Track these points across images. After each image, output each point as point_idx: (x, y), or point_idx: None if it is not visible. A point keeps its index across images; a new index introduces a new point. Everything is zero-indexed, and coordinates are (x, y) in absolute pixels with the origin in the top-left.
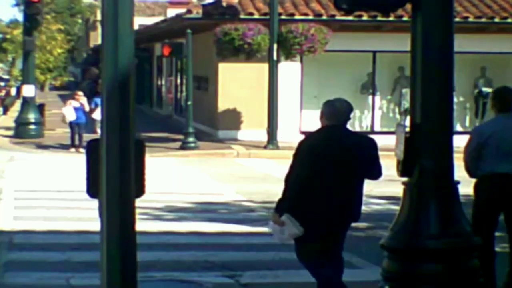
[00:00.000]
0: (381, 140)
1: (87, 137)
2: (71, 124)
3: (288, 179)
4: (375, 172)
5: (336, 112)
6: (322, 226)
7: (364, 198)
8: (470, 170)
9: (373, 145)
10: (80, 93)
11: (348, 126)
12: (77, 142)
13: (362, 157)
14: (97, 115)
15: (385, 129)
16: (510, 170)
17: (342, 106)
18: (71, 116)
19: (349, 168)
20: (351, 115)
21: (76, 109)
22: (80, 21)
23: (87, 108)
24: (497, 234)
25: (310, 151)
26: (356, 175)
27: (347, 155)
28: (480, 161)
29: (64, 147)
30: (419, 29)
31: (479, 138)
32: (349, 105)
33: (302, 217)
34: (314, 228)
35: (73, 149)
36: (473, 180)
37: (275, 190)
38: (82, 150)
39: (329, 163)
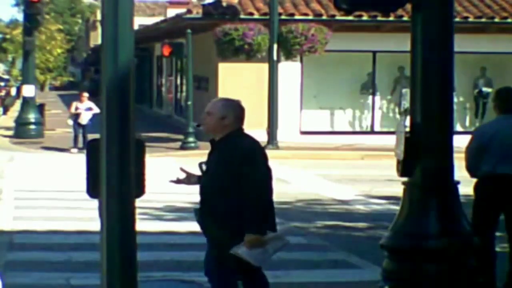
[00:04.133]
0: (381, 140)
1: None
2: (74, 126)
3: (264, 194)
4: None
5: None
6: None
7: (364, 198)
8: (471, 170)
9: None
10: (86, 94)
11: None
12: (80, 144)
13: None
14: None
15: (385, 129)
16: (510, 171)
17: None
18: (85, 119)
19: None
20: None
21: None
22: (80, 21)
23: (97, 110)
24: (497, 234)
25: (265, 155)
26: None
27: None
28: (481, 162)
29: (65, 150)
30: (419, 29)
31: (481, 138)
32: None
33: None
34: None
35: (75, 150)
36: (473, 180)
37: (274, 190)
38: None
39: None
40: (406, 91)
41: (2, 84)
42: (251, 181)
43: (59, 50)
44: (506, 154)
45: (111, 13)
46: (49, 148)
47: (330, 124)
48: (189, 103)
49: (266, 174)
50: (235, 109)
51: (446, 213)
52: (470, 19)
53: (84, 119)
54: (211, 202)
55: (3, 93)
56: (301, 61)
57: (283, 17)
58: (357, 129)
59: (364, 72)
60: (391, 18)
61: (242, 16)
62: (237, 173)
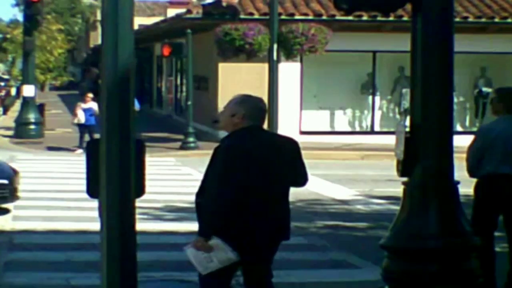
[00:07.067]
0: (381, 140)
1: None
2: (80, 127)
3: (211, 197)
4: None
5: (262, 112)
6: (254, 247)
7: (364, 198)
8: (472, 170)
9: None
10: (90, 95)
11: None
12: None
13: (289, 161)
14: None
15: (385, 129)
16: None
17: (264, 105)
18: (82, 118)
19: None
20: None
21: (85, 110)
22: (80, 21)
23: (97, 111)
24: (497, 234)
25: (240, 158)
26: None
27: (276, 160)
28: (483, 161)
29: (66, 150)
30: (419, 29)
31: (485, 138)
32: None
33: (235, 238)
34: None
35: (80, 151)
36: (474, 180)
37: None
38: None
39: (261, 170)
40: (406, 91)
41: (2, 84)
42: (208, 181)
43: (59, 50)
44: (509, 154)
45: (111, 13)
46: (49, 148)
47: (330, 124)
48: (189, 103)
49: (218, 178)
50: (247, 107)
51: (446, 213)
52: (470, 19)
53: (81, 119)
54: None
55: (3, 93)
56: (301, 61)
57: (283, 17)
58: (357, 129)
59: (364, 72)
60: (391, 18)
61: (242, 16)
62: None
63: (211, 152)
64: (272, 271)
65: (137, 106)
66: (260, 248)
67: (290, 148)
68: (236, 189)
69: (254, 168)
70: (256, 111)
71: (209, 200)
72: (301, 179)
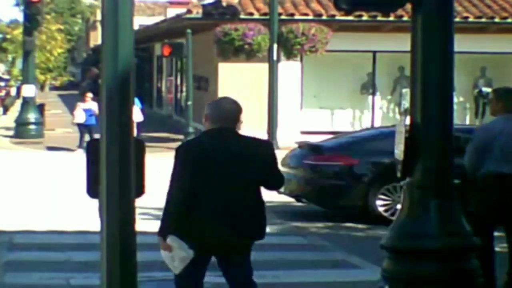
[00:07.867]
0: None
1: None
2: (80, 126)
3: (168, 196)
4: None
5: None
6: (208, 245)
7: None
8: (471, 169)
9: (270, 147)
10: (90, 94)
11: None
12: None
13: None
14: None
15: None
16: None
17: (231, 107)
18: (80, 118)
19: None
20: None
21: (85, 110)
22: (80, 21)
23: (97, 112)
24: (497, 234)
25: (193, 158)
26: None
27: (238, 161)
28: (482, 161)
29: (66, 150)
30: (419, 29)
31: (484, 137)
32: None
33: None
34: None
35: (80, 150)
36: None
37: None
38: None
39: (216, 170)
40: (406, 91)
41: (2, 84)
42: None
43: (59, 50)
44: (509, 154)
45: (111, 13)
46: (49, 148)
47: (330, 124)
48: (189, 103)
49: (174, 177)
50: (209, 109)
51: (446, 213)
52: (470, 19)
53: (79, 119)
54: None
55: (3, 93)
56: (301, 61)
57: (283, 17)
58: (357, 129)
59: (364, 72)
60: (391, 18)
61: (242, 16)
62: None
63: None
64: (251, 269)
65: (139, 105)
66: (215, 245)
67: (261, 151)
68: (181, 188)
69: (200, 166)
70: (217, 113)
71: (166, 200)
72: (274, 182)
